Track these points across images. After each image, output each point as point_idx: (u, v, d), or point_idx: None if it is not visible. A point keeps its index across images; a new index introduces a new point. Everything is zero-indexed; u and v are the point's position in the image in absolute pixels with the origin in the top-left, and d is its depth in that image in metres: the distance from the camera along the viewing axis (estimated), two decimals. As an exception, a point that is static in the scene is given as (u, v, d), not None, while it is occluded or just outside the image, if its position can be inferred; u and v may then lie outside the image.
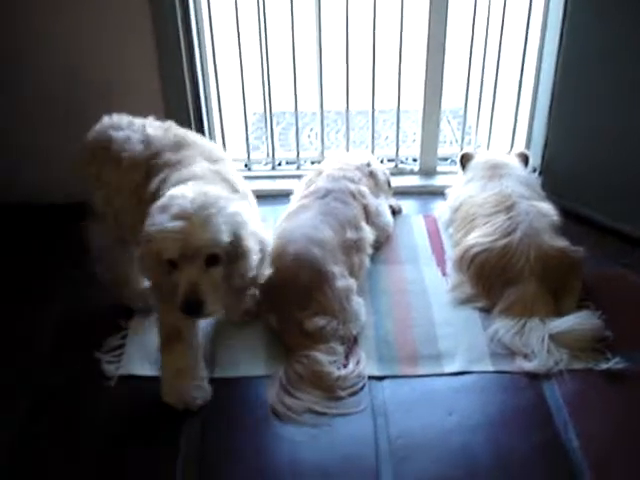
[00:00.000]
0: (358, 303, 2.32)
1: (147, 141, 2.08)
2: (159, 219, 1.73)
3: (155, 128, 2.13)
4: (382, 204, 2.75)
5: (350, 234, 2.42)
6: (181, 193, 1.78)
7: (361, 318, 2.32)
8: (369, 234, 2.54)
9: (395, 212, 2.91)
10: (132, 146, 2.06)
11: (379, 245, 2.69)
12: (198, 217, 1.72)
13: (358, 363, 2.18)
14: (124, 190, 2.07)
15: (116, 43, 2.78)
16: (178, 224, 1.70)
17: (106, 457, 1.94)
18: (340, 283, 2.26)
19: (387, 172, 2.92)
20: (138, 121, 2.17)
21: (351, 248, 2.40)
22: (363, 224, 2.52)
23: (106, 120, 2.19)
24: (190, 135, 2.15)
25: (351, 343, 2.26)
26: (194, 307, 1.75)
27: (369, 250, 2.53)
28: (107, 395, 2.12)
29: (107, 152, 2.09)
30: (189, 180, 1.89)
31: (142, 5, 2.69)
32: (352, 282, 2.33)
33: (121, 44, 2.78)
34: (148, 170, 2.02)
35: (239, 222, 1.81)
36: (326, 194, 2.52)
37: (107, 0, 2.69)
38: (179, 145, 2.07)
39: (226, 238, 1.76)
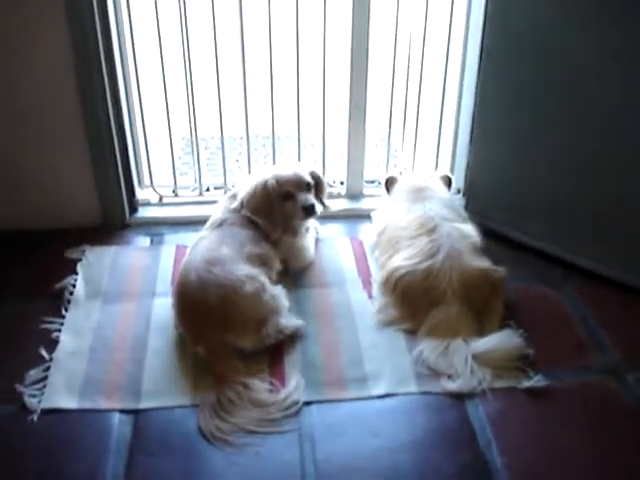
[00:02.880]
0: (274, 294, 2.35)
1: None
2: None
3: None
4: (302, 238, 2.76)
5: (250, 248, 2.45)
6: None
7: (283, 302, 2.38)
8: (272, 251, 2.57)
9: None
10: None
11: (294, 270, 2.71)
12: None
13: (295, 388, 2.17)
14: None
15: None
16: None
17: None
18: (249, 288, 2.26)
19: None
20: None
21: (254, 259, 2.42)
22: (264, 244, 2.54)
23: None
24: None
25: (289, 332, 2.34)
26: None
27: (277, 265, 2.58)
28: (30, 429, 2.06)
29: None
30: None
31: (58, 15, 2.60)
32: (262, 279, 2.34)
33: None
34: None
35: None
36: (222, 223, 2.55)
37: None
38: None
39: None
